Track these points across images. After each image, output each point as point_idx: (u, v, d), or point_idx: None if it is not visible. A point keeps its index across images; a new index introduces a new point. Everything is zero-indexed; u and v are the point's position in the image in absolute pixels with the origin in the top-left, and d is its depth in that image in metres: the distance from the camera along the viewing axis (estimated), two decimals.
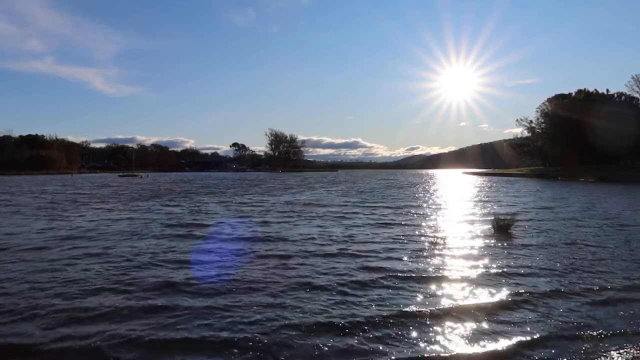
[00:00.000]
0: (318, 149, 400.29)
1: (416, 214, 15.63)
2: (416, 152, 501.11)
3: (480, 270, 6.95)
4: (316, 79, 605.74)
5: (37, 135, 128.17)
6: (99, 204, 20.28)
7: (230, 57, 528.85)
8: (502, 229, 10.86)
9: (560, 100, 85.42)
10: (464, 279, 6.47)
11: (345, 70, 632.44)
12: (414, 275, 6.65)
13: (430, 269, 7.05)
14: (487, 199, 23.71)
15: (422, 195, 27.22)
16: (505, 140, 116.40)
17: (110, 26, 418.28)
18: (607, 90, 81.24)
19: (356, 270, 6.94)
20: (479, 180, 60.00)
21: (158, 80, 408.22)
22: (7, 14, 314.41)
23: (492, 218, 11.88)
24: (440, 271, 6.92)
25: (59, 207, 18.84)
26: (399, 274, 6.66)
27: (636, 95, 72.95)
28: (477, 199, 23.80)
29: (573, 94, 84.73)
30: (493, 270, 6.93)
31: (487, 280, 6.41)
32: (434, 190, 32.71)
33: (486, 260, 7.67)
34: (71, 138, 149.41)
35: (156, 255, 8.23)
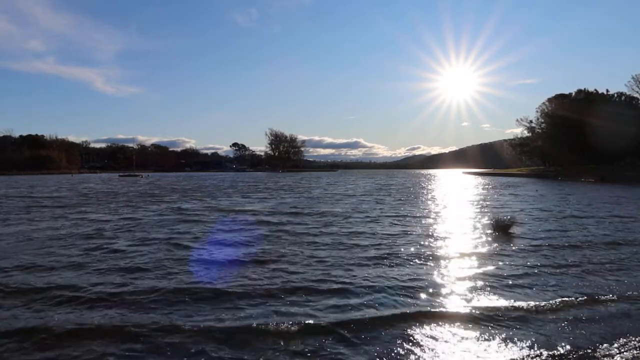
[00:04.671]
0: (319, 149, 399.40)
1: (415, 214, 15.64)
2: (417, 152, 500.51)
3: (479, 272, 6.97)
4: (316, 79, 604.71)
5: (37, 135, 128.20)
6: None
7: (231, 57, 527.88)
8: (502, 229, 10.87)
9: (560, 100, 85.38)
10: (461, 281, 6.49)
11: (346, 70, 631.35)
12: (411, 276, 6.67)
13: (429, 270, 7.07)
14: (487, 199, 23.71)
15: (421, 195, 27.22)
16: (505, 140, 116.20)
17: (111, 26, 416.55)
18: (607, 90, 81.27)
19: (358, 268, 6.97)
20: (479, 180, 60.01)
21: (159, 80, 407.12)
22: (8, 13, 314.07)
23: (492, 218, 11.89)
24: (439, 272, 6.95)
25: None
26: (394, 275, 6.69)
27: (636, 95, 72.97)
28: (477, 199, 23.80)
29: (573, 94, 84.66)
30: (491, 272, 6.95)
31: (486, 281, 6.42)
32: (432, 191, 32.68)
33: (485, 262, 7.69)
34: (72, 138, 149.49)
35: None
